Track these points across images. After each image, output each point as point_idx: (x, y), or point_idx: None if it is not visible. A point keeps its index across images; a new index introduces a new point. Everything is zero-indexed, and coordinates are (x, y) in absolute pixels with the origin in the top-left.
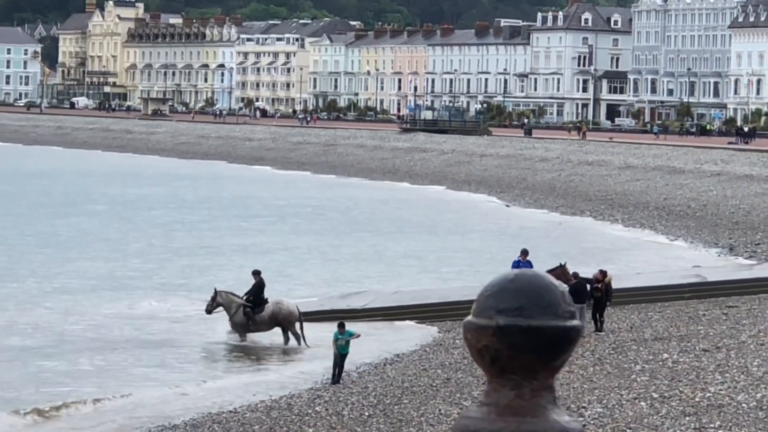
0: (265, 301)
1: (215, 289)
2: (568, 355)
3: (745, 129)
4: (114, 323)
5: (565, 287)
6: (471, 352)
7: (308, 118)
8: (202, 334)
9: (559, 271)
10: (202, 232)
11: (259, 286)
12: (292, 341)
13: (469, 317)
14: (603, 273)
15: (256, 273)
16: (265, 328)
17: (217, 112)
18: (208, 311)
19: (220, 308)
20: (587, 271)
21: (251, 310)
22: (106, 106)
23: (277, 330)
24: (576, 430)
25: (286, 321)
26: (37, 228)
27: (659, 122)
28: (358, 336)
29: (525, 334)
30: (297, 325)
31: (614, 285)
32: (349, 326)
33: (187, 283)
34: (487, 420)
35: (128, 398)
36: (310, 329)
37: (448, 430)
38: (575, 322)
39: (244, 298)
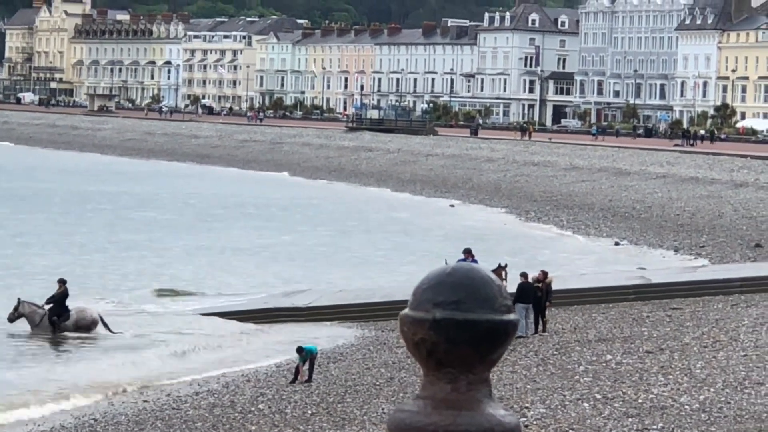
0: (68, 310)
1: (18, 299)
2: (504, 349)
3: (702, 132)
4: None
5: (501, 282)
6: (407, 345)
7: (259, 117)
8: (148, 331)
9: (498, 272)
10: (143, 230)
11: (63, 295)
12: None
13: (406, 310)
14: (544, 273)
15: (62, 282)
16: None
17: (162, 109)
18: (11, 320)
19: (23, 318)
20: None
21: (57, 319)
22: (47, 102)
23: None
24: (511, 423)
25: (87, 329)
26: None
27: (597, 123)
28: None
29: (462, 327)
30: (99, 327)
31: (558, 286)
32: (293, 326)
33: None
34: (423, 413)
35: (66, 394)
36: (256, 328)
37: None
38: (512, 316)
39: (45, 305)
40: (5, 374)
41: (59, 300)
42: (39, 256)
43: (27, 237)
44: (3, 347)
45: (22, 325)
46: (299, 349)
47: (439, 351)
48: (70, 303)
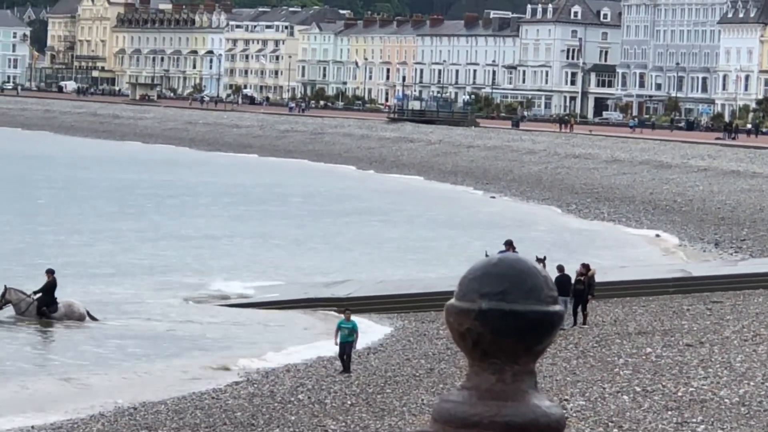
0: (56, 301)
1: (5, 286)
2: (550, 340)
3: (748, 126)
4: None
5: (547, 273)
6: (453, 335)
7: (303, 107)
8: (189, 321)
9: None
10: (191, 219)
11: (51, 285)
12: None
13: (452, 300)
14: (586, 267)
15: (50, 272)
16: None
17: (204, 99)
18: None
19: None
20: (572, 267)
21: (46, 309)
22: (85, 90)
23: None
24: (556, 415)
25: (76, 323)
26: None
27: (635, 116)
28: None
29: (507, 318)
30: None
31: (599, 279)
32: (333, 317)
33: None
34: (467, 404)
35: (106, 381)
36: (296, 318)
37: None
38: (558, 308)
39: (33, 295)
40: (40, 361)
41: (48, 290)
42: (88, 246)
43: (69, 227)
44: (31, 331)
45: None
46: (347, 312)
47: (485, 342)
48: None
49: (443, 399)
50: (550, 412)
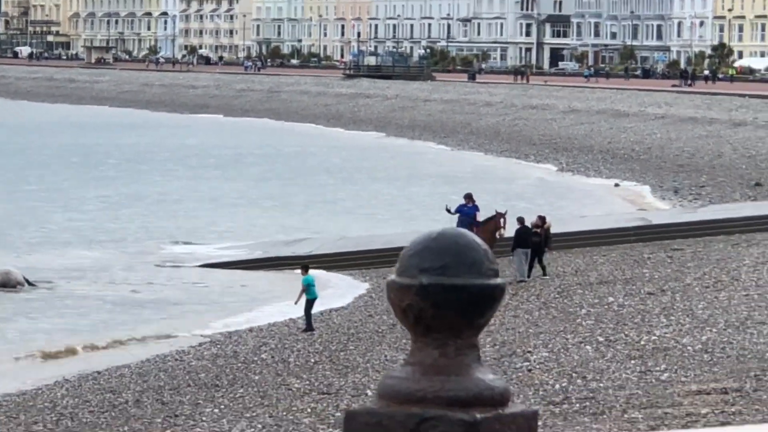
0: None
1: None
2: (492, 313)
3: (705, 72)
4: (47, 273)
5: (487, 247)
6: (395, 311)
7: (259, 65)
8: (150, 284)
9: (497, 219)
10: (152, 182)
11: None
12: None
13: (392, 276)
14: (542, 219)
15: None
16: None
17: (159, 60)
18: None
19: None
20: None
21: None
22: (38, 55)
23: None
24: (500, 388)
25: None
26: None
27: (589, 66)
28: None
29: (449, 292)
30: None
31: (559, 229)
32: (294, 275)
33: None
34: (412, 379)
35: (68, 346)
36: (257, 277)
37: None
38: (499, 280)
39: None
40: (3, 329)
41: None
42: (46, 212)
43: (34, 192)
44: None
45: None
46: (305, 267)
47: (427, 317)
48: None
49: (387, 375)
50: (494, 385)
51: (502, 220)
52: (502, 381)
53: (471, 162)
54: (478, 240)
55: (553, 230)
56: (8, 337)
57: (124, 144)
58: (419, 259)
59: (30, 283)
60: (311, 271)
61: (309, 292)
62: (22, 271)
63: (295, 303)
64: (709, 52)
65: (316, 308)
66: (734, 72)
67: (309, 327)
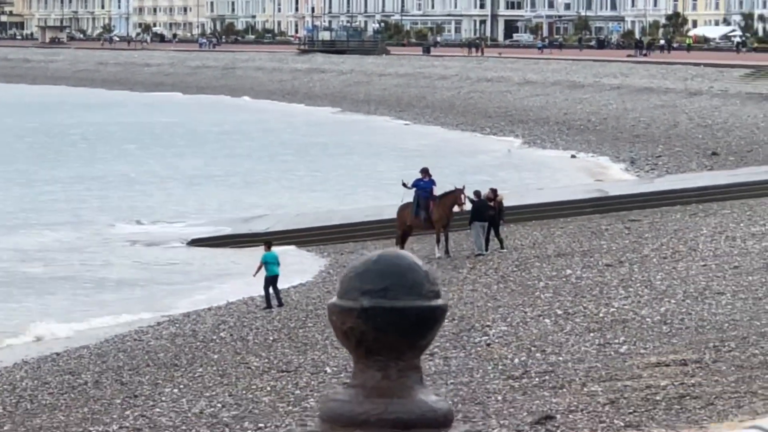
0: None
1: None
2: (433, 335)
3: (661, 41)
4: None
5: (429, 266)
6: (336, 334)
7: (214, 42)
8: (107, 264)
9: (457, 195)
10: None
11: None
12: None
13: (333, 299)
14: (494, 192)
15: None
16: None
17: (112, 39)
18: None
19: None
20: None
21: None
22: None
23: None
24: (443, 409)
25: None
26: None
27: (542, 37)
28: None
29: (390, 314)
30: None
31: (516, 202)
32: (252, 251)
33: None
34: (354, 402)
35: (24, 327)
36: (215, 255)
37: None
38: (440, 302)
39: None
40: None
41: None
42: (6, 191)
43: None
44: None
45: None
46: (268, 243)
47: (368, 339)
48: None
49: (330, 398)
50: (437, 407)
51: (462, 195)
52: (445, 402)
53: (427, 135)
54: (419, 261)
55: (510, 203)
56: None
57: (81, 123)
58: (360, 281)
59: None
60: (276, 248)
61: (269, 269)
62: None
63: (254, 275)
64: (663, 21)
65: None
66: (690, 42)
67: (268, 304)
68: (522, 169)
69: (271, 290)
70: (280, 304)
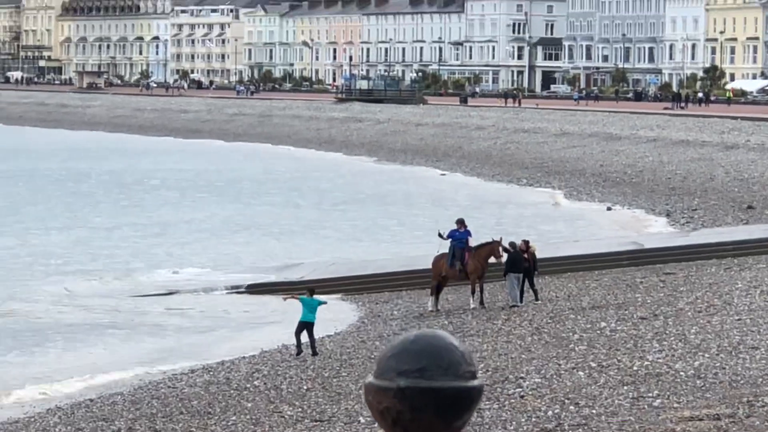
0: None
1: None
2: (470, 415)
3: (699, 94)
4: (35, 299)
5: (465, 347)
6: (373, 413)
7: (252, 90)
8: (143, 311)
9: (494, 247)
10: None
11: None
12: None
13: (370, 378)
14: (526, 243)
15: None
16: None
17: (149, 85)
18: None
19: None
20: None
21: None
22: (28, 80)
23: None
24: None
25: None
26: None
27: (579, 89)
28: (325, 303)
29: (426, 395)
30: None
31: (552, 254)
32: (287, 301)
33: (118, 259)
34: None
35: (61, 376)
36: (250, 303)
37: None
38: (476, 383)
39: None
40: None
41: None
42: (46, 237)
43: (27, 218)
44: None
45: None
46: (311, 291)
47: (405, 419)
48: None
49: None
50: None
51: (500, 248)
52: None
53: (464, 186)
54: (456, 341)
55: (545, 255)
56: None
57: (117, 169)
58: (397, 361)
59: None
60: (323, 297)
61: (304, 314)
62: (8, 298)
63: (284, 299)
64: (701, 74)
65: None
66: (730, 95)
67: (299, 350)
68: (558, 220)
69: (304, 337)
70: (314, 353)
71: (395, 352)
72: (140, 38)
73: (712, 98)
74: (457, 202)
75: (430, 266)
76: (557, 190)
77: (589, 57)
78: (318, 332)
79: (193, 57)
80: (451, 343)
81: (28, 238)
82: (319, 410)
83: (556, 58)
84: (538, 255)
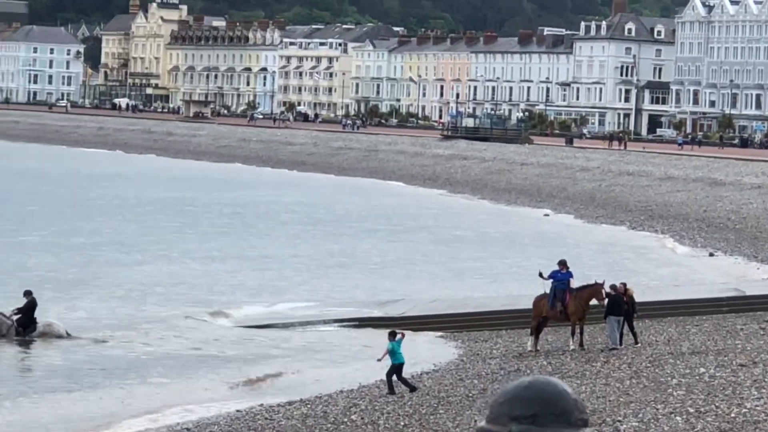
0: (35, 321)
1: None
2: None
3: None
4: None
5: (578, 395)
6: None
7: (358, 124)
8: (240, 342)
9: (597, 289)
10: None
11: (30, 306)
12: None
13: (483, 423)
14: (624, 286)
15: (28, 293)
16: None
17: (254, 116)
18: None
19: None
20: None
21: (23, 330)
22: (134, 107)
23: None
24: None
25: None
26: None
27: (684, 134)
28: (403, 335)
29: None
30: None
31: (652, 298)
32: (386, 336)
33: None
34: None
35: (158, 406)
36: (350, 337)
37: None
38: (588, 431)
39: (12, 314)
40: (96, 389)
41: (26, 311)
42: (143, 264)
43: (129, 246)
44: (83, 363)
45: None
46: (392, 333)
47: None
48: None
49: None
50: None
51: (603, 291)
52: None
53: (567, 227)
54: (569, 389)
55: (646, 298)
56: (83, 384)
57: (222, 200)
58: (509, 407)
59: (69, 335)
60: (411, 334)
61: (395, 357)
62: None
63: (378, 360)
64: None
65: (406, 372)
66: None
67: (390, 390)
68: (660, 264)
69: (395, 378)
70: (412, 390)
71: (508, 397)
72: (248, 69)
73: None
74: (560, 243)
75: (530, 306)
76: (661, 234)
77: (696, 102)
78: (416, 369)
79: (300, 89)
80: (564, 390)
81: (128, 264)
82: None
83: (663, 102)
84: (638, 298)
